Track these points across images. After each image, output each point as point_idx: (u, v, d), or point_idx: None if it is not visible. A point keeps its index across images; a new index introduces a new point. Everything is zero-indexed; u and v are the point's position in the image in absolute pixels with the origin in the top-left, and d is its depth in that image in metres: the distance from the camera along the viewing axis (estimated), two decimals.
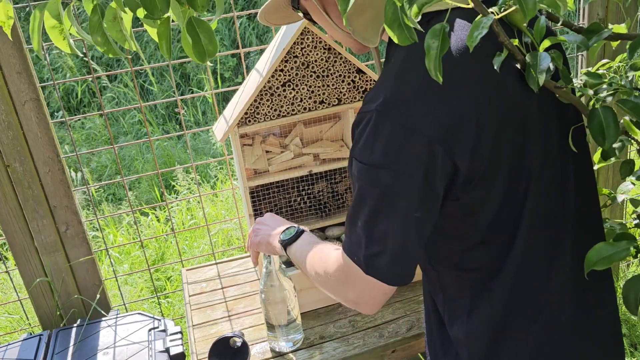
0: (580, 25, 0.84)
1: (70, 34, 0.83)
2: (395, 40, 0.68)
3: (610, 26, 0.82)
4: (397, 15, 0.67)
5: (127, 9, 0.76)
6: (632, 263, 2.37)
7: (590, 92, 0.76)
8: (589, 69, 0.90)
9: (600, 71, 0.87)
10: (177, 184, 3.21)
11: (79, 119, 4.56)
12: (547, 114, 0.84)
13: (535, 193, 0.83)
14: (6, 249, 2.90)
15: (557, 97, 0.80)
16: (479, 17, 0.70)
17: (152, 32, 0.84)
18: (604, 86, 0.78)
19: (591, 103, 0.77)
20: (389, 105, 0.76)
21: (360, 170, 0.80)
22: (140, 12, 0.75)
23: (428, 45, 0.69)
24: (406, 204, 0.78)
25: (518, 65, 0.77)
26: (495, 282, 0.87)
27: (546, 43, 0.75)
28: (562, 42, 0.77)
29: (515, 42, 0.75)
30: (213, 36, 0.78)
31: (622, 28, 0.82)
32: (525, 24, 0.78)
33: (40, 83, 1.51)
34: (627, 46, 0.78)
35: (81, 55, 1.02)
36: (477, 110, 0.76)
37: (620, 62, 0.85)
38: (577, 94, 0.83)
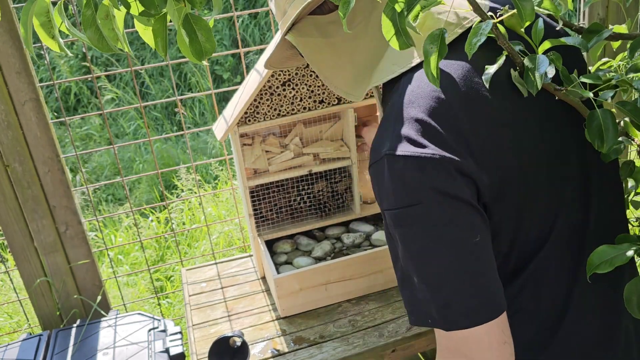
0: (581, 25, 0.83)
1: (61, 31, 0.80)
2: (397, 49, 0.70)
3: (610, 26, 0.81)
4: (396, 24, 0.68)
5: (121, 7, 0.73)
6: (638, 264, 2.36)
7: (590, 94, 0.75)
8: (589, 68, 0.90)
9: (600, 72, 0.86)
10: (180, 183, 3.21)
11: (77, 119, 4.56)
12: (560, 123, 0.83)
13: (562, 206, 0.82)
14: (5, 247, 2.89)
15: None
16: (476, 22, 0.70)
17: (145, 34, 0.79)
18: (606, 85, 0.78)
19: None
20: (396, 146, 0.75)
21: (392, 217, 0.75)
22: (135, 10, 0.72)
23: (426, 51, 0.69)
24: (445, 231, 0.73)
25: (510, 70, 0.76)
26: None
27: (545, 45, 0.74)
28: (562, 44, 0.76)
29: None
30: (210, 34, 0.75)
31: (622, 28, 0.82)
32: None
33: (39, 83, 1.50)
34: (628, 46, 0.78)
35: (71, 54, 1.01)
36: (475, 126, 0.75)
37: (621, 60, 0.85)
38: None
